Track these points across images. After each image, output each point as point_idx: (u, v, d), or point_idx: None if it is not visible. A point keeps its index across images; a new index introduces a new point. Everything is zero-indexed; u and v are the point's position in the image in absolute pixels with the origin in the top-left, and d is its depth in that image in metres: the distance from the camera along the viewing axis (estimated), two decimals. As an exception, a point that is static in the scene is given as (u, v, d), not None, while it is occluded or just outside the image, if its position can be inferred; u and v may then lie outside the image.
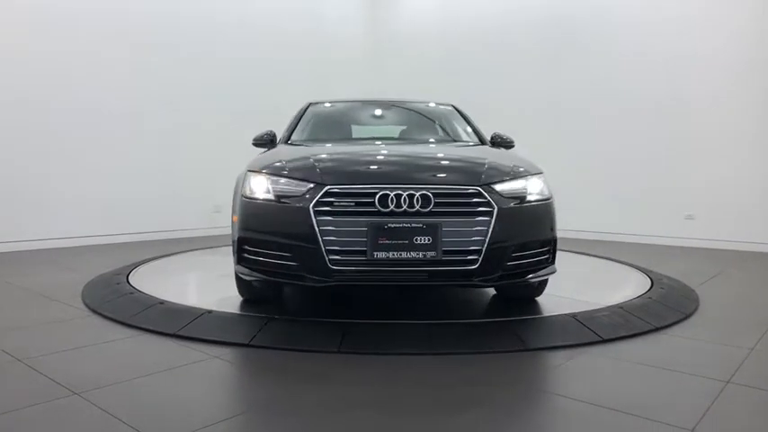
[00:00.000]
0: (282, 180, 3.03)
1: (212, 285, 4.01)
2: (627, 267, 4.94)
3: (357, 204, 2.85)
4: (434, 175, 3.08)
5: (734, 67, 6.43)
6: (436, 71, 8.69)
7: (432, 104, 4.80)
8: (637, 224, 7.07)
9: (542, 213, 3.14)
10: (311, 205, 2.83)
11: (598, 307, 3.34)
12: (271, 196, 3.00)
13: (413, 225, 2.78)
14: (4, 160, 5.79)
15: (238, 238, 3.10)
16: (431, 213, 2.81)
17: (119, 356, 2.69)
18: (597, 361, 2.63)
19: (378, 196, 2.82)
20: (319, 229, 2.80)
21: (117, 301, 3.54)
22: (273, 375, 2.46)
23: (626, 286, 4.09)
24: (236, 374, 2.57)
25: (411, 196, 2.81)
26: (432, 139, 4.40)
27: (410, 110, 4.81)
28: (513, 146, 4.19)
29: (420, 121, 4.72)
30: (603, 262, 5.32)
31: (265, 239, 2.99)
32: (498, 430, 1.94)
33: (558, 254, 5.67)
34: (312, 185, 2.91)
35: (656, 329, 3.11)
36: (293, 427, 1.93)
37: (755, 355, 2.74)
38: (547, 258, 3.18)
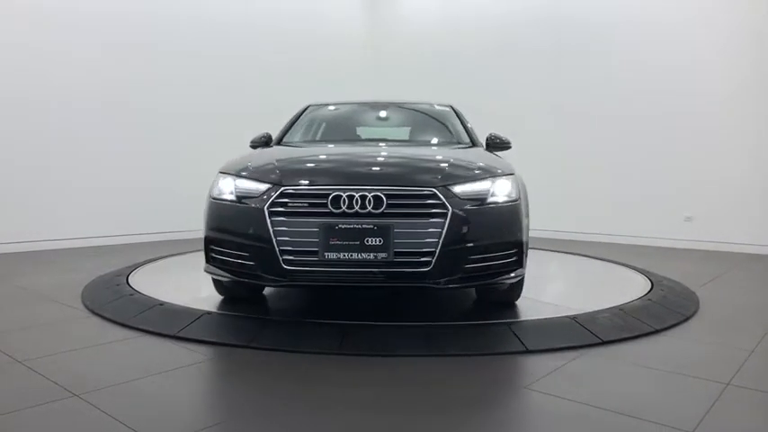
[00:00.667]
0: (245, 181, 3.11)
1: (212, 287, 4.00)
2: (626, 269, 4.94)
3: (310, 205, 2.89)
4: (391, 177, 3.08)
5: (733, 68, 6.43)
6: (436, 72, 8.69)
7: (429, 106, 4.78)
8: (636, 226, 7.07)
9: (506, 215, 3.04)
10: (266, 206, 2.90)
11: (598, 309, 3.34)
12: (233, 197, 3.09)
13: (363, 226, 2.80)
14: (3, 160, 5.79)
15: (205, 238, 3.19)
16: (383, 215, 2.82)
17: (118, 358, 2.69)
18: (597, 363, 2.63)
19: (330, 197, 2.85)
20: (273, 230, 2.86)
21: (117, 302, 3.53)
22: (272, 377, 2.46)
23: (626, 288, 4.09)
24: (235, 376, 2.57)
25: (363, 197, 2.83)
26: (419, 141, 4.38)
27: (406, 111, 4.81)
28: (509, 147, 4.16)
29: (414, 122, 4.71)
30: (603, 264, 5.31)
31: (227, 239, 3.07)
32: (498, 432, 1.94)
33: (559, 255, 5.66)
34: (269, 186, 2.98)
35: (657, 331, 3.11)
36: (293, 428, 1.93)
37: (755, 357, 2.74)
38: (514, 261, 3.07)
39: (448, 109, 4.60)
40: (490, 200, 3.00)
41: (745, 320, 3.47)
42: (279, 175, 3.04)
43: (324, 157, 3.56)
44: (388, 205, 2.83)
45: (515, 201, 3.10)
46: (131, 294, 3.68)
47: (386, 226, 2.79)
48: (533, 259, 5.50)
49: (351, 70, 9.02)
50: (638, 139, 7.08)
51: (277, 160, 3.26)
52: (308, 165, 3.32)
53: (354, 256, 2.80)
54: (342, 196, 2.84)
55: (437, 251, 2.79)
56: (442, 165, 3.17)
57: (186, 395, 2.24)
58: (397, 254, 2.80)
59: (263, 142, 4.11)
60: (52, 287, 4.11)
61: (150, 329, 3.03)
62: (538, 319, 3.18)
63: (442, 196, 2.86)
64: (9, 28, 5.80)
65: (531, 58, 7.93)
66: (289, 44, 8.23)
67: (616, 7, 7.25)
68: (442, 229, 2.80)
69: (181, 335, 2.92)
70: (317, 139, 4.43)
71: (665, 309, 3.50)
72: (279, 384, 2.36)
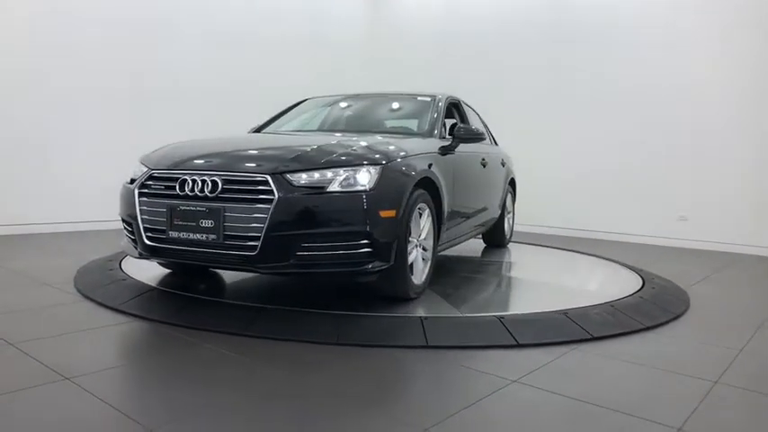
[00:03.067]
0: (140, 166, 3.41)
1: (205, 273, 4.00)
2: (619, 266, 4.97)
3: (165, 188, 3.14)
4: (231, 164, 3.11)
5: (731, 68, 6.44)
6: (438, 65, 8.69)
7: (411, 97, 4.71)
8: (630, 224, 7.10)
9: (350, 205, 2.93)
10: (136, 187, 3.23)
11: (589, 305, 3.36)
12: (128, 180, 3.42)
13: (198, 209, 2.97)
14: (-2, 143, 5.77)
15: (121, 218, 3.47)
16: (216, 198, 2.95)
17: (110, 342, 2.69)
18: (587, 358, 2.65)
19: (179, 181, 3.07)
20: (139, 209, 3.16)
21: (109, 286, 3.53)
22: (265, 364, 2.46)
23: (618, 285, 4.11)
24: (229, 362, 2.57)
25: (203, 182, 3.00)
26: (373, 130, 4.32)
27: (386, 102, 4.79)
28: (480, 140, 4.13)
29: (386, 112, 4.68)
30: (596, 260, 5.34)
31: (124, 218, 3.39)
32: (487, 425, 1.95)
33: (551, 251, 5.67)
34: (145, 170, 3.29)
35: (647, 328, 3.14)
36: (292, 415, 1.94)
37: (744, 355, 2.77)
38: (366, 253, 2.96)
39: (428, 99, 4.50)
40: (332, 188, 2.92)
41: (734, 319, 3.50)
42: (155, 161, 3.33)
43: (198, 145, 3.57)
44: (223, 190, 2.96)
45: (365, 191, 2.95)
46: (124, 279, 3.68)
47: (217, 209, 2.92)
48: (527, 255, 5.57)
49: (351, 64, 9.02)
50: (633, 137, 7.09)
51: (171, 147, 3.53)
52: (180, 151, 3.42)
53: (191, 236, 2.98)
54: (187, 180, 3.05)
55: (262, 236, 2.84)
56: (297, 153, 3.12)
57: (178, 380, 2.24)
58: (227, 237, 2.91)
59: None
60: (45, 271, 4.09)
61: (143, 315, 3.03)
62: (529, 314, 3.19)
63: (272, 183, 2.88)
64: (9, 23, 5.75)
65: (531, 57, 7.92)
66: (289, 40, 8.23)
67: (616, 5, 7.24)
68: (268, 214, 2.84)
69: (173, 321, 2.92)
70: (288, 130, 4.58)
71: (656, 306, 3.52)
72: (274, 373, 2.36)
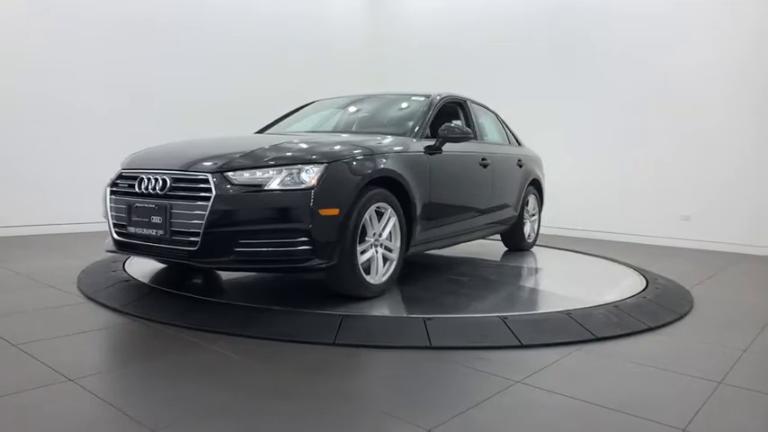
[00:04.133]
0: (120, 167, 3.57)
1: (207, 274, 4.00)
2: (622, 267, 4.96)
3: (128, 186, 3.32)
4: (180, 163, 3.19)
5: (733, 68, 6.43)
6: (439, 65, 8.69)
7: (405, 97, 4.70)
8: (633, 224, 7.09)
9: (288, 202, 2.96)
10: (108, 185, 3.46)
11: (593, 305, 3.35)
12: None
13: (148, 205, 3.14)
14: (0, 144, 5.76)
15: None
16: (165, 196, 3.10)
17: (113, 343, 2.69)
18: (591, 359, 2.64)
19: (137, 179, 3.25)
20: (109, 206, 3.39)
21: (112, 288, 3.53)
22: (268, 365, 2.46)
23: (621, 285, 4.11)
24: (232, 364, 2.57)
25: (156, 180, 3.16)
26: (364, 130, 4.35)
27: (384, 103, 4.78)
28: (465, 139, 4.07)
29: (381, 113, 4.67)
30: (599, 261, 5.33)
31: (103, 216, 3.55)
32: (491, 425, 1.94)
33: (555, 252, 5.66)
34: (119, 170, 3.49)
35: (651, 329, 3.13)
36: (296, 417, 1.94)
37: (748, 356, 2.76)
38: (306, 250, 2.99)
39: (421, 99, 4.47)
40: (271, 187, 2.96)
41: (738, 319, 3.48)
42: (127, 161, 3.55)
43: (169, 146, 3.69)
44: (171, 188, 3.10)
45: (304, 189, 2.97)
46: (127, 280, 3.68)
47: (164, 206, 3.07)
48: (529, 255, 5.55)
49: (354, 67, 9.05)
50: (636, 137, 7.08)
51: (148, 148, 3.69)
52: (151, 152, 3.58)
53: (144, 231, 3.17)
54: (143, 178, 3.22)
55: (202, 232, 2.93)
56: (242, 152, 3.15)
57: (181, 382, 2.24)
58: (173, 232, 3.04)
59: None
60: (48, 272, 4.10)
61: (145, 316, 3.03)
62: (533, 314, 3.19)
63: (212, 181, 2.97)
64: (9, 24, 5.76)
65: (533, 58, 7.92)
66: (291, 41, 8.26)
67: (619, 4, 7.23)
68: (206, 211, 2.92)
69: (176, 322, 2.92)
70: (288, 131, 4.64)
71: (659, 306, 3.51)
72: (272, 374, 2.36)
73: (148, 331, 2.87)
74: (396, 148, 3.66)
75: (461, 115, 4.76)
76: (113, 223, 3.36)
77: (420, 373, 2.41)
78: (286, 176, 3.01)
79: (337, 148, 3.32)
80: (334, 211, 3.06)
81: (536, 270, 4.94)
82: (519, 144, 5.80)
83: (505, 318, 3.03)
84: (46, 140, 6.06)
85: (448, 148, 4.10)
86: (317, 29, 8.68)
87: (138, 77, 6.77)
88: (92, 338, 2.72)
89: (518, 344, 2.78)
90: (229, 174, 3.00)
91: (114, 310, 3.17)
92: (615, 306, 3.38)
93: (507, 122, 5.79)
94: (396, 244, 3.55)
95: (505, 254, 5.56)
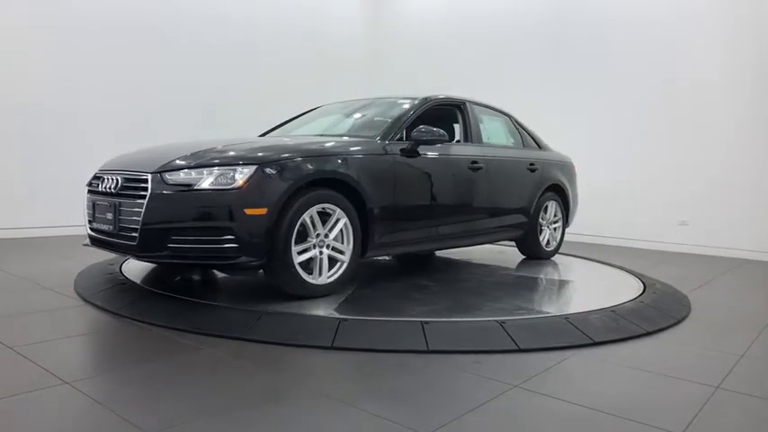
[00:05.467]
0: None
1: (205, 277, 4.00)
2: (620, 271, 4.95)
3: (96, 185, 3.59)
4: (131, 164, 3.47)
5: (731, 72, 6.45)
6: (438, 68, 8.70)
7: (393, 100, 4.68)
8: (631, 229, 7.10)
9: (215, 202, 3.10)
10: (86, 185, 3.73)
11: (590, 309, 3.35)
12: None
13: (104, 203, 3.42)
14: (-2, 146, 5.77)
15: None
16: (116, 194, 3.35)
17: (110, 346, 2.69)
18: (588, 363, 2.64)
19: (101, 179, 3.53)
20: (86, 203, 3.66)
21: (109, 290, 3.53)
22: (265, 369, 2.46)
23: (619, 290, 4.10)
24: (229, 367, 2.56)
25: (111, 180, 3.42)
26: (346, 133, 4.35)
27: (376, 108, 4.75)
28: (438, 141, 4.00)
29: (370, 116, 4.65)
30: (597, 265, 5.33)
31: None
32: (488, 430, 1.94)
33: (554, 256, 5.60)
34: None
35: (648, 333, 3.13)
36: (294, 420, 1.93)
37: (745, 361, 2.76)
38: (232, 248, 3.09)
39: (404, 102, 4.46)
40: (201, 186, 3.11)
41: (736, 324, 3.49)
42: (104, 163, 3.79)
43: (138, 149, 3.89)
44: (122, 187, 3.33)
45: (230, 189, 3.09)
46: (124, 283, 3.68)
47: (114, 204, 3.33)
48: (527, 259, 5.54)
49: (355, 69, 9.06)
50: (633, 142, 7.09)
51: (127, 152, 3.87)
52: (121, 155, 3.85)
53: (101, 226, 3.45)
54: (104, 178, 3.49)
55: (140, 228, 3.14)
56: (183, 154, 3.32)
57: (178, 384, 2.23)
58: (120, 228, 3.28)
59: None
60: (44, 274, 4.09)
61: (143, 319, 3.02)
62: (530, 318, 3.18)
63: (150, 181, 3.17)
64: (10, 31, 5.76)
65: (533, 60, 7.94)
66: (291, 46, 8.28)
67: (617, 5, 7.25)
68: (143, 209, 3.14)
69: (173, 325, 2.91)
70: (292, 134, 4.70)
71: (656, 311, 3.51)
72: (275, 377, 2.36)
73: (145, 334, 2.86)
74: (352, 149, 3.66)
75: (459, 117, 4.73)
76: (87, 219, 3.65)
77: (417, 376, 2.41)
78: (219, 177, 3.14)
79: (274, 150, 3.39)
80: (261, 211, 3.15)
81: (532, 274, 4.94)
82: (540, 147, 5.58)
83: (503, 322, 3.02)
84: (42, 143, 6.05)
85: (428, 150, 4.06)
86: (318, 31, 8.69)
87: (136, 82, 6.77)
88: (88, 341, 2.71)
89: (516, 348, 2.77)
90: (166, 174, 3.18)
91: (111, 312, 3.16)
92: (613, 311, 3.38)
93: (527, 126, 5.63)
94: (347, 246, 3.54)
95: (522, 262, 5.34)
